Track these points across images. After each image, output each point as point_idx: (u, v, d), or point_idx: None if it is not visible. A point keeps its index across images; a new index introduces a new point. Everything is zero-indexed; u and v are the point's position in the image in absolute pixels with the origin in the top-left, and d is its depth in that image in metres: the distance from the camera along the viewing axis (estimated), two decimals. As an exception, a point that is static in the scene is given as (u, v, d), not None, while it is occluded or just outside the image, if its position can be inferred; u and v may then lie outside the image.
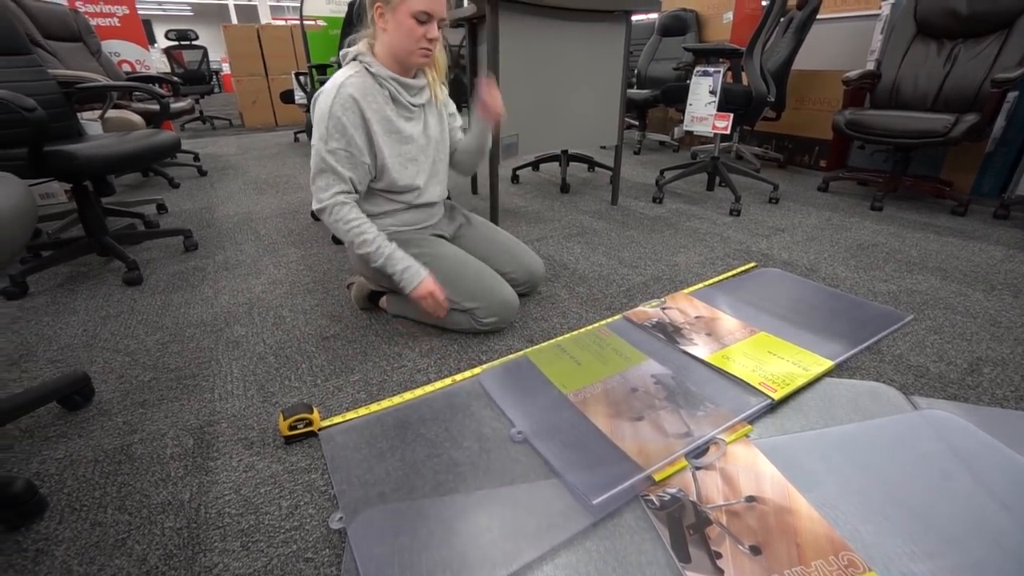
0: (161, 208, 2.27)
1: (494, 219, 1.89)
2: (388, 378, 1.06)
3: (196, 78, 5.50)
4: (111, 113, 2.10)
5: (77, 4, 3.46)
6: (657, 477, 0.78)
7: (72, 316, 1.33)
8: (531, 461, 0.82)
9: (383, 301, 1.32)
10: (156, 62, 5.51)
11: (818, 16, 2.50)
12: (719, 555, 0.66)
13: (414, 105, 1.15)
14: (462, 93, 3.76)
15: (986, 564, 0.65)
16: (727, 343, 1.15)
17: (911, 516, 0.72)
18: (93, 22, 2.90)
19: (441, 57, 1.17)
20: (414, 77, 1.15)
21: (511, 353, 1.13)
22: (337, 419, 0.93)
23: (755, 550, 0.67)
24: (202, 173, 3.06)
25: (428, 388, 1.01)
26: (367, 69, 1.08)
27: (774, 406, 0.95)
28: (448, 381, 1.03)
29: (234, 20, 12.29)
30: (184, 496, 0.77)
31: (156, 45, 6.00)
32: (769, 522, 0.71)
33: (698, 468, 0.80)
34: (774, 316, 1.28)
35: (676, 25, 3.71)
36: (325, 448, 0.86)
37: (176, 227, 1.83)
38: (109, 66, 2.83)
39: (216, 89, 5.87)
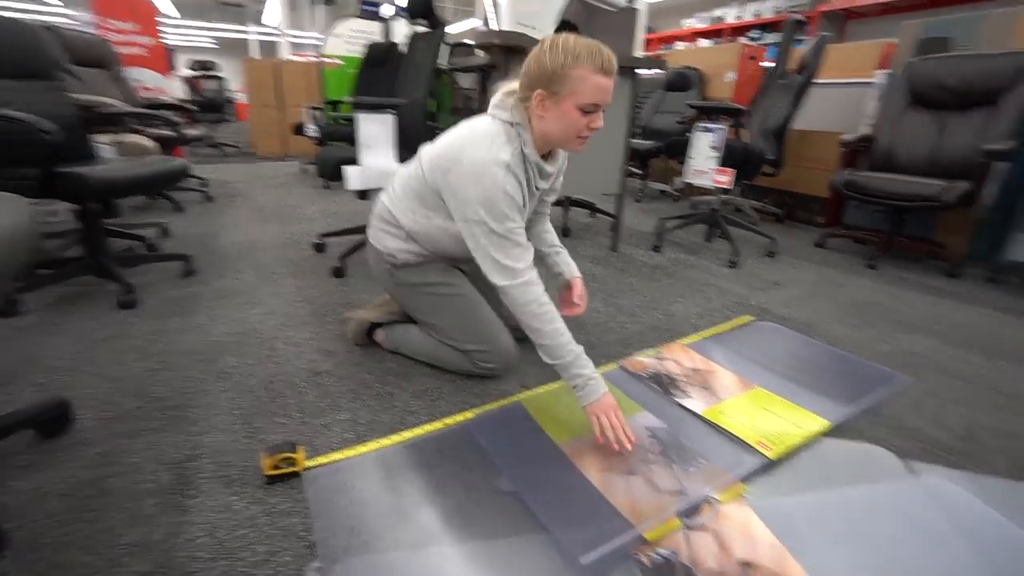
0: (164, 232, 2.29)
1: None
2: (378, 418, 1.04)
3: (212, 106, 5.67)
4: (126, 137, 2.15)
5: (107, 32, 3.60)
6: (649, 536, 0.75)
7: (61, 337, 1.31)
8: (519, 514, 0.79)
9: (379, 335, 1.31)
10: (175, 89, 5.69)
11: (816, 80, 2.61)
12: (712, 628, 0.63)
13: (537, 189, 1.08)
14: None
15: (991, 651, 0.62)
16: (722, 397, 1.13)
17: (912, 593, 0.69)
18: (120, 49, 3.01)
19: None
20: (548, 159, 1.07)
21: (504, 397, 1.11)
22: (323, 459, 0.90)
23: (750, 624, 0.64)
24: (209, 199, 3.10)
25: (418, 431, 0.99)
26: (523, 149, 0.99)
27: (769, 465, 0.93)
28: (439, 424, 1.01)
29: (255, 54, 12.80)
30: (155, 536, 0.73)
31: (176, 72, 6.23)
32: (764, 593, 0.68)
33: (691, 528, 0.77)
34: (770, 372, 1.27)
35: (680, 81, 3.87)
36: (308, 490, 0.83)
37: (176, 252, 1.84)
38: (127, 91, 2.92)
39: (230, 117, 6.03)
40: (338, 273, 1.84)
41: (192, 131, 3.31)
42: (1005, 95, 2.18)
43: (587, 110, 0.93)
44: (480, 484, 0.85)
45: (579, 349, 0.97)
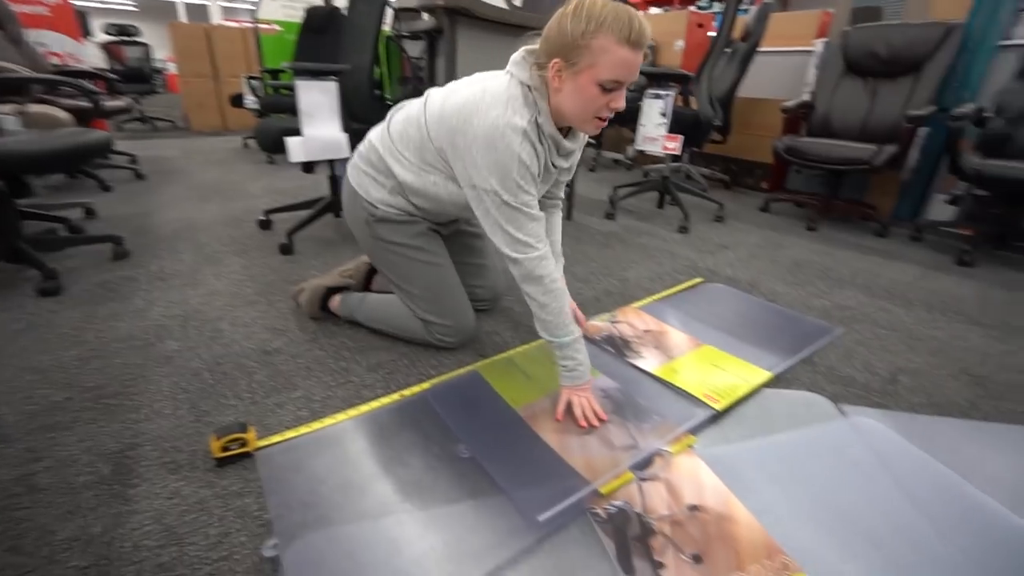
0: (89, 213, 2.11)
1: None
2: (333, 394, 1.02)
3: (137, 76, 5.20)
4: (32, 107, 1.94)
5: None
6: (603, 490, 0.78)
7: (-25, 329, 1.20)
8: (478, 478, 0.80)
9: (334, 301, 1.28)
10: (91, 56, 5.17)
11: (760, 49, 2.67)
12: (662, 565, 0.67)
13: (555, 167, 0.98)
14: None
15: (905, 564, 0.69)
16: (674, 356, 1.18)
17: (840, 520, 0.75)
18: (16, 8, 2.68)
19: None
20: (568, 135, 0.97)
21: (462, 367, 1.12)
22: (276, 438, 0.88)
23: (696, 558, 0.68)
24: (140, 177, 2.88)
25: (375, 404, 0.98)
26: (537, 118, 0.88)
27: (716, 417, 0.98)
28: (396, 396, 1.00)
29: (183, 18, 11.76)
30: (95, 530, 0.70)
31: (92, 38, 5.63)
32: (710, 530, 0.72)
33: (643, 480, 0.81)
34: (718, 329, 1.33)
35: (629, 49, 3.86)
36: (261, 470, 0.81)
37: (105, 233, 1.70)
38: (32, 57, 2.63)
39: (160, 89, 5.55)
40: (286, 250, 1.77)
41: (114, 102, 3.03)
42: (927, 63, 2.30)
43: (607, 87, 0.82)
44: (438, 452, 0.86)
45: (578, 332, 0.96)
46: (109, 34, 5.20)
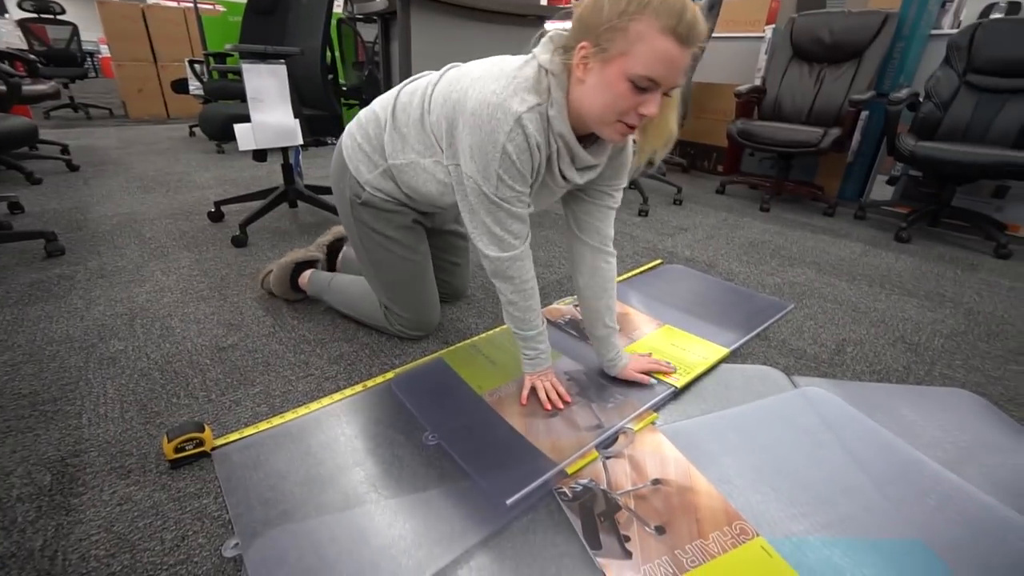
0: (15, 207, 1.95)
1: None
2: (293, 388, 0.99)
3: (64, 59, 4.80)
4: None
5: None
6: (570, 470, 0.80)
7: None
8: (445, 465, 0.80)
9: (303, 278, 1.26)
10: (8, 36, 4.74)
11: (714, 34, 2.72)
12: (628, 538, 0.69)
13: (565, 179, 0.82)
14: (375, 90, 3.64)
15: (849, 518, 0.73)
16: (635, 337, 1.21)
17: (791, 483, 0.80)
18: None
19: (665, 128, 0.78)
20: (590, 144, 0.81)
21: (426, 355, 1.11)
22: (234, 436, 0.85)
23: (660, 529, 0.70)
24: (72, 168, 2.68)
25: (337, 396, 0.96)
26: (547, 110, 0.74)
27: (677, 393, 1.01)
28: (359, 388, 0.99)
29: (114, -2, 10.90)
30: (35, 544, 0.66)
31: (8, 16, 5.15)
32: (672, 502, 0.75)
33: (608, 457, 0.83)
34: (678, 309, 1.37)
35: (588, 34, 3.87)
36: (219, 469, 0.78)
37: (35, 229, 1.58)
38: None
39: (92, 73, 5.14)
40: (239, 242, 1.69)
41: (37, 87, 2.80)
42: (867, 50, 2.41)
43: (640, 84, 0.66)
44: (404, 441, 0.85)
45: (543, 326, 0.93)
46: (25, 10, 4.75)
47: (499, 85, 0.73)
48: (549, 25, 2.06)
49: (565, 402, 0.95)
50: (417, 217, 1.08)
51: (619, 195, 0.93)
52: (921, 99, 2.21)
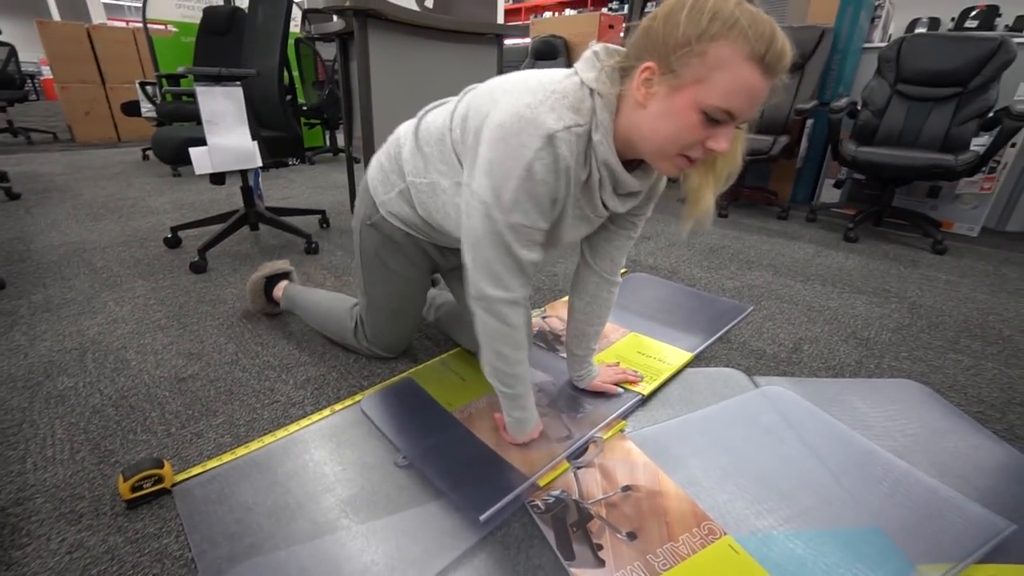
0: (-49, 240, 1.84)
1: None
2: (258, 416, 0.96)
3: (1, 82, 4.58)
4: None
5: None
6: (542, 482, 0.80)
7: None
8: (418, 485, 0.80)
9: (278, 290, 1.28)
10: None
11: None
12: (600, 547, 0.70)
13: (607, 207, 0.76)
14: (336, 109, 3.61)
15: (810, 510, 0.77)
16: (602, 347, 1.23)
17: (756, 480, 0.83)
18: None
19: (732, 162, 0.68)
20: (636, 169, 0.73)
21: (395, 375, 1.10)
22: (196, 470, 0.82)
23: (631, 535, 0.72)
24: (12, 196, 2.54)
25: (304, 422, 0.94)
26: (591, 132, 0.66)
27: (644, 400, 1.04)
28: (327, 412, 0.97)
29: (55, 16, 10.50)
30: (-23, 598, 0.62)
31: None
32: (643, 507, 0.77)
33: (579, 467, 0.84)
34: (642, 317, 1.41)
35: (547, 50, 3.96)
36: (180, 506, 0.75)
37: (-27, 263, 1.49)
38: None
39: (34, 96, 4.91)
40: (198, 268, 1.64)
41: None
42: (808, 62, 2.56)
43: (714, 116, 0.58)
44: (375, 463, 0.84)
45: (528, 385, 0.83)
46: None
47: (534, 98, 0.64)
48: (510, 42, 2.11)
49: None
50: (431, 252, 0.99)
51: (642, 223, 0.89)
52: (859, 107, 2.36)
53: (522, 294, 0.74)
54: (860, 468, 0.85)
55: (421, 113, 0.90)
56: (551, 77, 0.67)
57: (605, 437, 0.91)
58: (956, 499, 0.78)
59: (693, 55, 0.57)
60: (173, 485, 0.78)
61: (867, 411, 1.02)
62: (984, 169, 2.08)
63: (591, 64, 0.67)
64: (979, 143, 2.10)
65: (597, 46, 0.68)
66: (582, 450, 0.88)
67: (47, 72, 7.06)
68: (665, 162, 0.65)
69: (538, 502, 0.77)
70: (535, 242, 0.71)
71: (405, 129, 0.92)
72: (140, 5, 3.43)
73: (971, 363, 1.23)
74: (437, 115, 0.84)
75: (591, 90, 0.65)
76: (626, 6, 5.59)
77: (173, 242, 1.88)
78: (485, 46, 2.02)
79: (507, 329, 0.74)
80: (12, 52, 4.72)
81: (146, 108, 3.69)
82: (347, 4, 1.51)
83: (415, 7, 1.91)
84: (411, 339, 1.17)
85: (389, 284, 1.03)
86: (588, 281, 0.93)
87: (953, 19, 3.98)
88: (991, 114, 2.06)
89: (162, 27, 3.75)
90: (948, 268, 1.92)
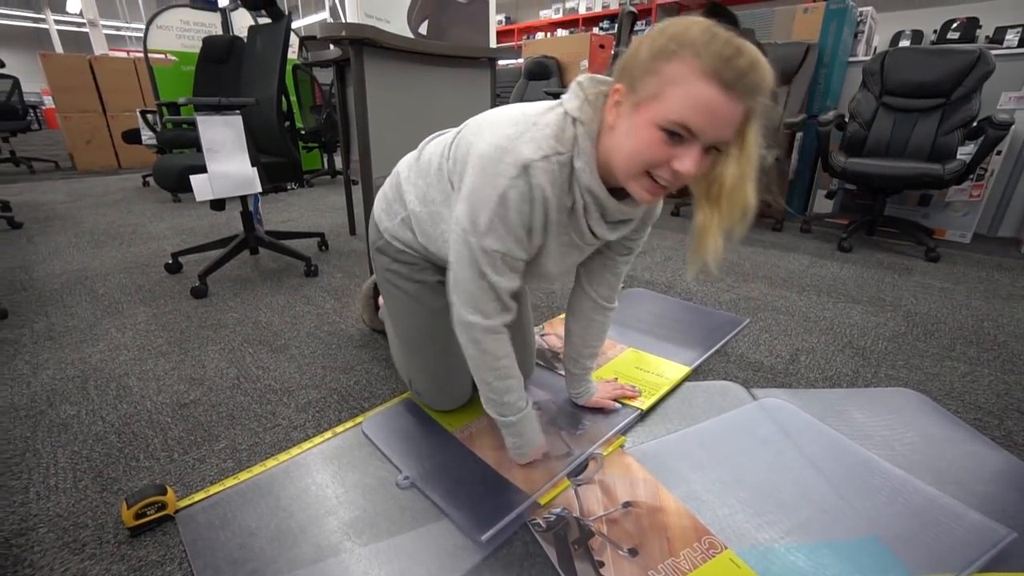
0: (-46, 271, 1.86)
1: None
2: (260, 440, 0.97)
3: (4, 112, 4.65)
4: None
5: None
6: (543, 500, 0.81)
7: None
8: (420, 506, 0.80)
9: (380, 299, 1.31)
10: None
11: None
12: (602, 563, 0.70)
13: (595, 235, 0.76)
14: (334, 133, 3.67)
15: (810, 521, 0.77)
16: (600, 363, 1.24)
17: (755, 493, 0.83)
18: None
19: (740, 198, 0.64)
20: (623, 196, 0.72)
21: (395, 396, 1.11)
22: (199, 495, 0.82)
23: (633, 552, 0.72)
24: (15, 225, 2.57)
25: (306, 445, 0.94)
26: (571, 161, 0.68)
27: (643, 415, 1.04)
28: (328, 435, 0.97)
29: (58, 48, 10.71)
30: (-17, 630, 0.62)
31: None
32: (643, 523, 0.77)
33: (579, 484, 0.85)
34: (640, 332, 1.42)
35: (539, 70, 4.04)
36: (183, 532, 0.76)
37: (-23, 293, 1.51)
38: None
39: (36, 126, 4.98)
40: (199, 294, 1.66)
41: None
42: (795, 77, 2.62)
43: (672, 131, 0.58)
44: (376, 485, 0.84)
45: (527, 408, 0.83)
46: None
47: (515, 130, 0.67)
48: (502, 63, 2.16)
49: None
50: (433, 260, 0.97)
51: (638, 248, 0.89)
52: (847, 120, 2.41)
53: (499, 321, 0.75)
54: (858, 478, 0.86)
55: (422, 144, 0.93)
56: (535, 109, 0.70)
57: (605, 453, 0.92)
58: (955, 507, 0.79)
59: (651, 73, 0.58)
60: (176, 511, 0.79)
61: (865, 421, 1.03)
62: (972, 177, 2.12)
63: (575, 94, 0.69)
64: (965, 152, 2.14)
65: (582, 77, 0.70)
66: (582, 467, 0.89)
67: (49, 102, 7.17)
68: (633, 183, 0.65)
69: (539, 520, 0.77)
70: (511, 269, 0.72)
71: (407, 161, 0.94)
72: (141, 35, 3.51)
73: (967, 370, 1.24)
74: (435, 146, 0.87)
75: (573, 119, 0.67)
76: (615, 25, 5.72)
77: (174, 268, 1.90)
78: (479, 69, 2.07)
79: (488, 358, 0.76)
80: (16, 84, 4.81)
81: (146, 136, 3.75)
82: (344, 34, 1.56)
83: (409, 34, 1.96)
84: (464, 386, 1.01)
85: (406, 309, 0.98)
86: (583, 305, 0.95)
87: (935, 31, 4.08)
88: (975, 123, 2.10)
89: (162, 56, 3.83)
90: (942, 275, 1.94)
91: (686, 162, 0.59)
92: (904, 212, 2.54)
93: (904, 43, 4.15)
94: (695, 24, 0.58)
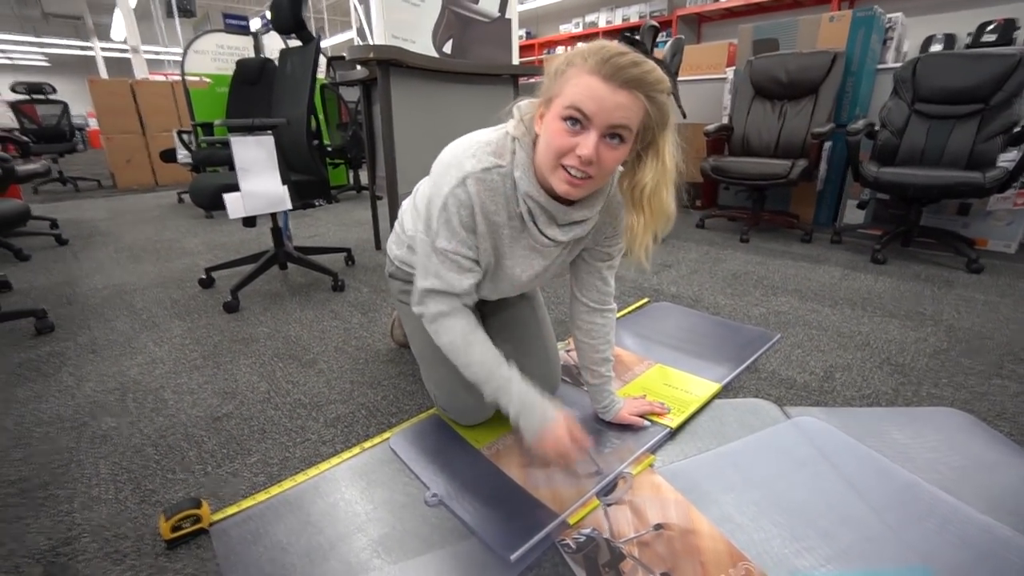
0: (3, 287, 1.96)
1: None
2: (291, 455, 0.98)
3: (54, 135, 4.93)
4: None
5: None
6: (571, 520, 0.79)
7: None
8: (447, 524, 0.80)
9: None
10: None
11: (680, 78, 2.89)
12: (634, 590, 0.68)
13: (549, 239, 0.82)
14: (360, 150, 3.76)
15: (852, 548, 0.74)
16: (627, 380, 1.22)
17: (792, 517, 0.80)
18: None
19: (660, 206, 0.78)
20: (572, 203, 0.80)
21: (423, 412, 1.11)
22: (232, 509, 0.84)
23: (666, 577, 0.70)
24: (61, 242, 2.70)
25: (335, 460, 0.95)
26: (513, 172, 0.78)
27: (673, 433, 1.02)
28: (357, 450, 0.98)
29: (103, 73, 11.31)
30: (30, 639, 0.64)
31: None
32: (676, 546, 0.75)
33: (609, 505, 0.83)
34: (667, 347, 1.40)
35: (561, 84, 4.07)
36: (217, 546, 0.77)
37: (24, 308, 1.58)
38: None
39: (81, 147, 5.26)
40: (231, 308, 1.70)
41: (29, 166, 2.86)
42: (822, 86, 2.57)
43: (570, 116, 0.68)
44: (405, 501, 0.84)
45: (509, 374, 0.84)
46: (17, 92, 4.90)
47: (463, 149, 0.79)
48: (525, 81, 2.19)
49: (584, 448, 0.84)
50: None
51: (618, 254, 0.93)
52: (877, 128, 2.35)
53: (453, 305, 0.85)
54: (903, 503, 0.82)
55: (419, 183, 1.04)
56: (485, 133, 0.81)
57: (634, 472, 0.90)
58: (1014, 538, 0.74)
59: (554, 81, 0.71)
60: (210, 525, 0.80)
61: (907, 442, 0.98)
62: (1015, 184, 2.04)
63: (514, 116, 0.80)
64: (1007, 159, 2.06)
65: (522, 101, 0.81)
66: (611, 486, 0.87)
67: (93, 123, 7.55)
68: (553, 177, 0.73)
69: (569, 541, 0.76)
70: (462, 268, 0.83)
71: (409, 197, 1.08)
72: (179, 59, 3.67)
73: (1019, 389, 1.18)
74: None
75: (513, 137, 0.78)
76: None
77: (207, 282, 1.96)
78: (501, 86, 2.10)
79: (440, 338, 0.86)
80: (65, 108, 5.10)
81: (182, 155, 3.91)
82: (371, 56, 1.60)
83: (434, 53, 2.01)
84: (472, 402, 0.98)
85: (419, 327, 0.97)
86: (580, 312, 1.00)
87: (970, 34, 3.95)
88: (1017, 129, 2.02)
89: (198, 79, 4.00)
90: (985, 288, 1.86)
91: (584, 147, 0.68)
92: (942, 222, 2.45)
93: (936, 48, 4.03)
94: (590, 43, 0.70)
